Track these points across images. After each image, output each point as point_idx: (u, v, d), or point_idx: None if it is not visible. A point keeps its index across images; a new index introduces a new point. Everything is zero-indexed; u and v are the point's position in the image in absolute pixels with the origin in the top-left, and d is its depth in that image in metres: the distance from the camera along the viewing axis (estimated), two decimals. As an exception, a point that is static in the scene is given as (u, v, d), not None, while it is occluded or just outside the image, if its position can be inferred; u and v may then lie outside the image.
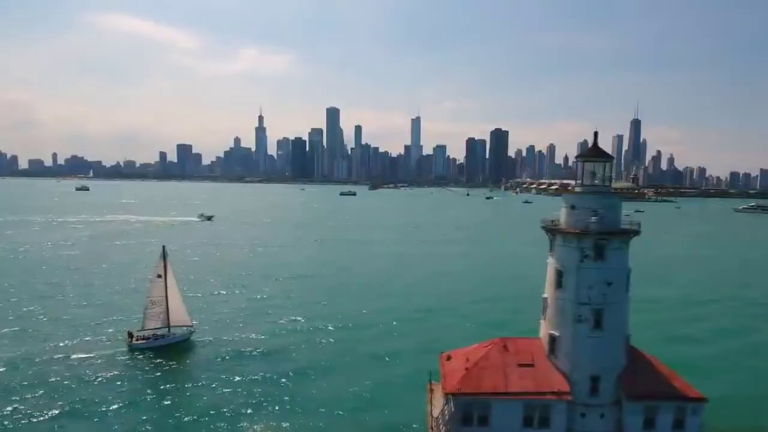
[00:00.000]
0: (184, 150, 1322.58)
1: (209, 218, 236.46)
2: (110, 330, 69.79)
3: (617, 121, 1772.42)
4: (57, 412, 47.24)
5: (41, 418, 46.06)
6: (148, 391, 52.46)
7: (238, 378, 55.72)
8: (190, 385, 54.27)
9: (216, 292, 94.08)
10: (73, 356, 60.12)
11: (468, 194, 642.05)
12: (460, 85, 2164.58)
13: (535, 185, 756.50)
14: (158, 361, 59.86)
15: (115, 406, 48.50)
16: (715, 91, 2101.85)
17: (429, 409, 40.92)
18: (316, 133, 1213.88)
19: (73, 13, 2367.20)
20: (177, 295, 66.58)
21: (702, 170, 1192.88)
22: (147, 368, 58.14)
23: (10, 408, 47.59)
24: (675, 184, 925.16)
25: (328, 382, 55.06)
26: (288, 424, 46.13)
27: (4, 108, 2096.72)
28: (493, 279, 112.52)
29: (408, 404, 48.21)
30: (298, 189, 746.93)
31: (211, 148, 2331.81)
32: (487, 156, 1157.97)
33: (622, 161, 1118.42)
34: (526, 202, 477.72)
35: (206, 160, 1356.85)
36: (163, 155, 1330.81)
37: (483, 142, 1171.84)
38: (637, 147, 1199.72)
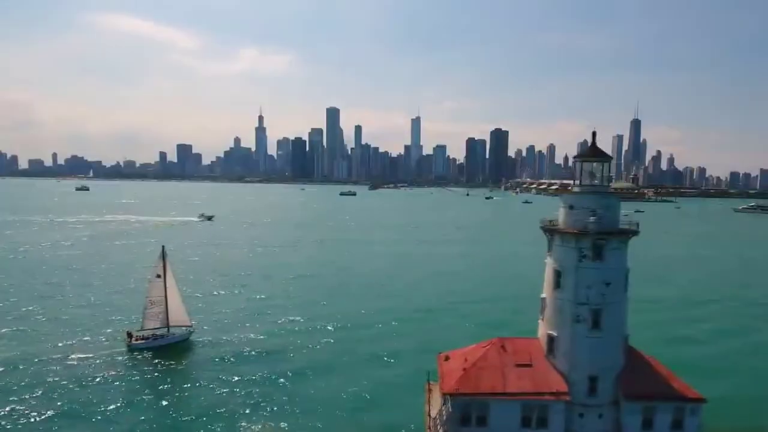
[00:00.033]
0: (184, 150, 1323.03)
1: (209, 218, 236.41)
2: (109, 330, 69.82)
3: (617, 121, 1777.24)
4: (56, 412, 47.28)
5: (40, 418, 46.09)
6: (147, 391, 52.53)
7: (237, 378, 55.75)
8: (189, 385, 54.31)
9: (215, 292, 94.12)
10: (73, 356, 60.17)
11: (468, 194, 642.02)
12: (460, 85, 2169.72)
13: (535, 185, 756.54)
14: (157, 361, 59.91)
15: (114, 407, 48.54)
16: (715, 91, 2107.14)
17: (427, 409, 40.84)
18: (316, 133, 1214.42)
19: (73, 13, 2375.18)
20: (176, 295, 66.57)
21: (702, 170, 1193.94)
22: (146, 368, 58.20)
23: (9, 408, 47.64)
24: (675, 184, 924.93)
25: (326, 382, 55.10)
26: (287, 424, 46.18)
27: (4, 108, 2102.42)
28: (492, 279, 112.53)
29: (406, 404, 48.18)
30: (298, 189, 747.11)
31: (211, 148, 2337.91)
32: (487, 156, 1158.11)
33: (622, 161, 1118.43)
34: (526, 202, 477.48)
35: (206, 160, 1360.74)
36: (163, 155, 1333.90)
37: (483, 142, 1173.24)
38: (637, 147, 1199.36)
